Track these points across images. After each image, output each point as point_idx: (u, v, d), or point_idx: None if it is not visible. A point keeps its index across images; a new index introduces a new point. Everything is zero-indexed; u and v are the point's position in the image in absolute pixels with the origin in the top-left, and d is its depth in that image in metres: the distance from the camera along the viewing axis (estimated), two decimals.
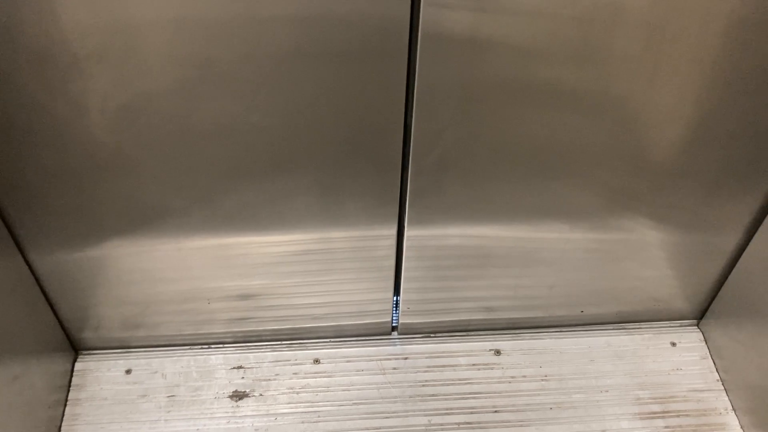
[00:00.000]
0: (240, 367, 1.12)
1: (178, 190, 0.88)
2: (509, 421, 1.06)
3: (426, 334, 1.16)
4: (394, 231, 0.98)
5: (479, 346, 1.15)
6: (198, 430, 1.04)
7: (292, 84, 0.77)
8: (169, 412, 1.06)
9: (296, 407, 1.07)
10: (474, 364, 1.13)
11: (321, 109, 0.80)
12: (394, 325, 1.15)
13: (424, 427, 1.05)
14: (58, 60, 0.72)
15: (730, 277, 1.09)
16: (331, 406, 1.07)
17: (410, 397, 1.09)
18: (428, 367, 1.13)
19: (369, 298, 1.09)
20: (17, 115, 0.77)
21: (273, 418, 1.06)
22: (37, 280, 0.98)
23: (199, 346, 1.14)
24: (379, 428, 1.05)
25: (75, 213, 0.90)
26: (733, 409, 1.09)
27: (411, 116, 0.82)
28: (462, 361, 1.13)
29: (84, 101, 0.76)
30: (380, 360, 1.13)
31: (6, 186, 0.85)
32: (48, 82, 0.74)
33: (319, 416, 1.06)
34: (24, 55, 0.71)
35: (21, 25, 0.68)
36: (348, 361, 1.13)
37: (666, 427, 1.06)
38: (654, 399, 1.09)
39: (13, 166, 0.83)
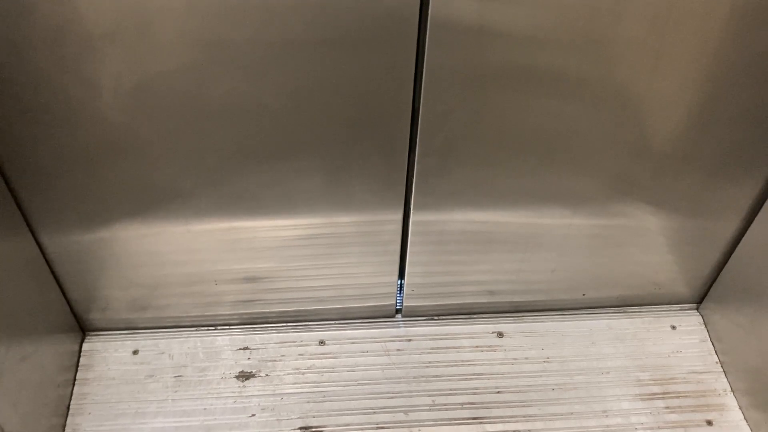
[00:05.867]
0: (246, 348, 1.13)
1: (187, 172, 0.89)
2: (512, 402, 1.07)
3: (430, 317, 1.18)
4: (400, 215, 0.99)
5: (482, 328, 1.16)
6: (205, 409, 1.06)
7: (301, 67, 0.78)
8: (176, 392, 1.07)
9: (302, 387, 1.08)
10: (477, 346, 1.14)
11: (330, 92, 0.81)
12: (398, 307, 1.16)
13: (427, 407, 1.07)
14: (72, 39, 0.72)
15: (729, 262, 1.10)
16: (336, 386, 1.09)
17: (414, 378, 1.10)
18: (432, 348, 1.14)
19: (374, 281, 1.10)
20: (30, 95, 0.77)
21: (279, 398, 1.07)
22: (47, 261, 0.99)
23: (206, 328, 1.15)
24: (384, 408, 1.06)
25: (85, 194, 0.90)
26: (732, 390, 1.10)
27: (419, 101, 0.83)
28: (465, 343, 1.15)
29: (96, 81, 0.77)
30: (384, 342, 1.14)
31: (18, 167, 0.86)
32: (61, 61, 0.74)
33: (324, 396, 1.07)
34: (38, 34, 0.71)
35: (35, 4, 0.69)
36: (353, 343, 1.14)
37: (666, 407, 1.08)
38: (654, 380, 1.11)
39: (25, 147, 0.83)
